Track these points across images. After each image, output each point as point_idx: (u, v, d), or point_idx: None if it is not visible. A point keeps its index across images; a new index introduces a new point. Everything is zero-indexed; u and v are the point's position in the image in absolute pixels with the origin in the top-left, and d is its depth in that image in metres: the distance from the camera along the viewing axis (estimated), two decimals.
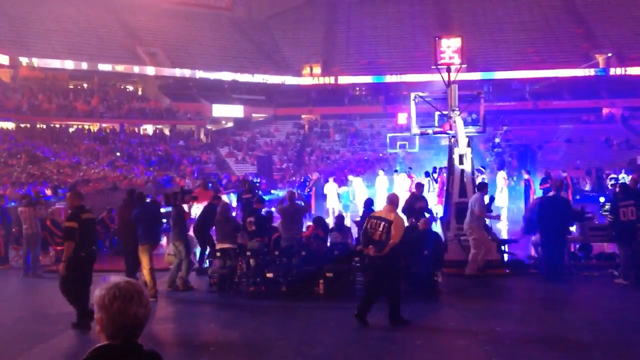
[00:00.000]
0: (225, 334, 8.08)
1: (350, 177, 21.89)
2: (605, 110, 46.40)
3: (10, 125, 35.68)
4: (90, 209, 9.44)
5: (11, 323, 8.52)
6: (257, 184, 21.91)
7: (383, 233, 7.66)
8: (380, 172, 21.63)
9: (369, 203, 12.89)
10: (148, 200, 11.10)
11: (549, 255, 10.82)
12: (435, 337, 7.86)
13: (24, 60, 39.26)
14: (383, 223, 7.71)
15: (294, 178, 33.26)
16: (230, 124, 50.12)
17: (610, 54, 46.55)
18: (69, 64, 40.95)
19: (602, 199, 18.23)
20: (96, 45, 43.46)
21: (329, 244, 11.47)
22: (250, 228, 11.12)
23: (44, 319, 8.91)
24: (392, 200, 8.19)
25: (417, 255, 9.62)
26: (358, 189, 20.79)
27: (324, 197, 19.96)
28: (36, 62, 39.67)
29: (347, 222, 14.53)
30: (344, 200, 20.01)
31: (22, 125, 35.80)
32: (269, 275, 9.85)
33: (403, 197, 19.51)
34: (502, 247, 12.01)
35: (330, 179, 21.01)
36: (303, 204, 12.24)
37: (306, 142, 45.02)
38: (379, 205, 19.51)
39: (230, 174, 35.28)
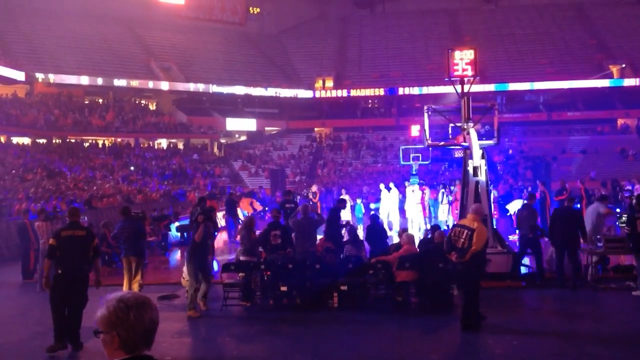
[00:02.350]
0: (240, 347, 8.05)
1: (391, 185, 21.60)
2: (620, 121, 46.06)
3: (26, 140, 36.12)
4: (89, 226, 9.67)
5: (27, 338, 8.56)
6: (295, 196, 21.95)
7: (466, 240, 8.05)
8: (391, 185, 21.55)
9: (374, 218, 12.92)
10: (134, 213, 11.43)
11: (564, 267, 10.74)
12: (450, 349, 7.79)
13: (39, 76, 39.85)
14: (466, 231, 8.12)
15: (304, 192, 33.22)
16: (243, 138, 50.48)
17: (624, 65, 46.25)
18: (84, 80, 41.55)
19: (617, 210, 18.02)
20: (111, 61, 44.05)
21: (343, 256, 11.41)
22: (275, 242, 10.95)
23: None
24: (477, 210, 8.62)
25: (433, 268, 9.57)
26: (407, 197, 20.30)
27: (326, 209, 19.76)
28: (52, 78, 40.27)
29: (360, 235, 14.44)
30: (358, 213, 19.95)
31: (38, 141, 36.22)
32: (284, 288, 9.83)
33: (416, 209, 19.59)
34: (518, 260, 11.89)
35: (343, 191, 21.02)
36: (317, 216, 12.18)
37: (319, 155, 45.09)
38: (393, 219, 19.65)
39: (243, 187, 35.40)
